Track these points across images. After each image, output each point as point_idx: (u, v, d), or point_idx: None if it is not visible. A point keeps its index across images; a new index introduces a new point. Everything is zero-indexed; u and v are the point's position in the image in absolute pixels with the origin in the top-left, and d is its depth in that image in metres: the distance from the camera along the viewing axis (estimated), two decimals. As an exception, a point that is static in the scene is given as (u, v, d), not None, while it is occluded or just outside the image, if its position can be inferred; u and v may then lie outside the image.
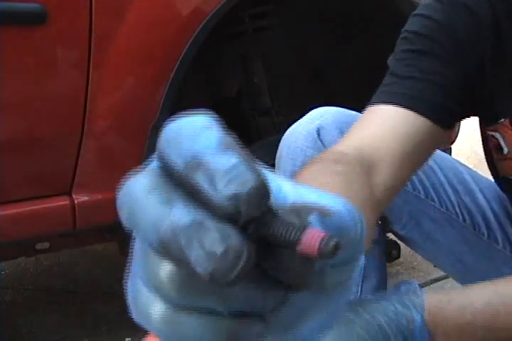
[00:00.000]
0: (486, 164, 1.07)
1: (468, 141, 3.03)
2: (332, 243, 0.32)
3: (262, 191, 0.32)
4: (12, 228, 1.48)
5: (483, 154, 1.07)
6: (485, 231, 1.12)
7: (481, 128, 1.04)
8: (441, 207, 1.12)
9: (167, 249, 0.31)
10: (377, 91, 0.91)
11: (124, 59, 1.54)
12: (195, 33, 1.59)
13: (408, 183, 1.10)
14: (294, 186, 0.36)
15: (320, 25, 2.13)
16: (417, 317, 0.79)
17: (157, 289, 0.33)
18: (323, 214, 0.34)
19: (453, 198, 1.12)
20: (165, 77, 1.58)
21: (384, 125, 0.85)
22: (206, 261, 0.30)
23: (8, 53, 1.42)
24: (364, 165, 0.78)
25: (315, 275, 0.34)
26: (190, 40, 1.58)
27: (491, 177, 1.15)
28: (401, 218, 1.11)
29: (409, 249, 1.27)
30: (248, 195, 0.31)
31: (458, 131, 2.01)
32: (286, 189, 0.35)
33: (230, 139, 0.33)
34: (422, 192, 1.11)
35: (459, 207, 1.12)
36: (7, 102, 1.44)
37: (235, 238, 0.31)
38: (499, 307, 0.80)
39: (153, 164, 0.34)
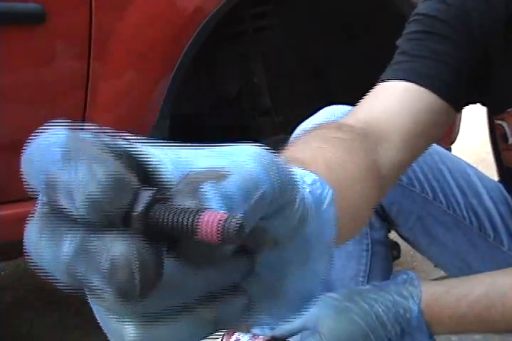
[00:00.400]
0: (486, 165, 1.07)
1: (468, 141, 3.04)
2: (233, 224, 0.28)
3: (113, 184, 0.28)
4: (12, 228, 1.47)
5: (483, 155, 1.07)
6: (491, 233, 1.12)
7: (488, 116, 1.04)
8: (449, 209, 1.11)
9: (77, 284, 0.30)
10: (386, 69, 0.90)
11: (123, 59, 1.54)
12: (196, 32, 1.59)
13: (417, 185, 1.10)
14: (191, 155, 0.33)
15: (320, 25, 2.13)
16: (414, 308, 0.80)
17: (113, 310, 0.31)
18: (219, 178, 0.31)
19: (460, 200, 1.12)
20: (165, 77, 1.57)
21: (395, 100, 0.83)
22: (104, 285, 0.28)
23: (8, 53, 1.41)
24: (371, 137, 0.75)
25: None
26: (191, 40, 1.58)
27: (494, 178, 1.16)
28: (408, 220, 1.11)
29: (409, 248, 1.27)
30: (93, 196, 0.28)
31: (458, 131, 2.00)
32: (183, 160, 0.32)
33: (76, 142, 0.30)
34: (430, 194, 1.10)
35: (466, 209, 1.12)
36: (7, 102, 1.44)
37: (116, 248, 0.28)
38: (496, 299, 0.81)
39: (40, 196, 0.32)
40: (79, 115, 1.50)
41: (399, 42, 0.93)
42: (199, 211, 0.29)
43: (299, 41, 2.19)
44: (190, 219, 0.29)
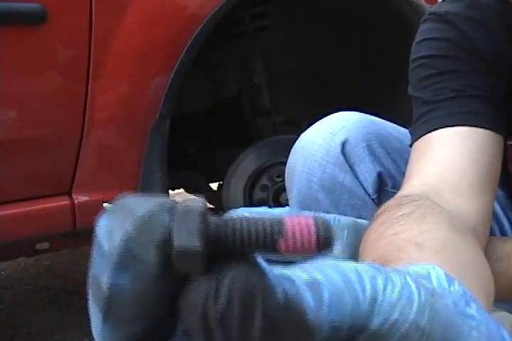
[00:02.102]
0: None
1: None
2: (326, 227, 0.25)
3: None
4: (12, 228, 1.48)
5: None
6: None
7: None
8: None
9: None
10: (415, 124, 0.84)
11: (124, 59, 1.54)
12: (196, 33, 1.59)
13: None
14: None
15: (320, 25, 2.13)
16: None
17: None
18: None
19: None
20: (165, 77, 1.57)
21: (444, 151, 0.77)
22: None
23: (9, 53, 1.41)
24: (437, 197, 0.70)
25: None
26: (191, 40, 1.58)
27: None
28: None
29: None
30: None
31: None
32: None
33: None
34: None
35: None
36: (7, 102, 1.44)
37: None
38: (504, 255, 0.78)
39: None
40: (79, 114, 1.50)
41: (412, 92, 0.87)
42: (280, 219, 0.26)
43: (299, 41, 2.19)
44: (270, 226, 0.25)
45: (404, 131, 1.02)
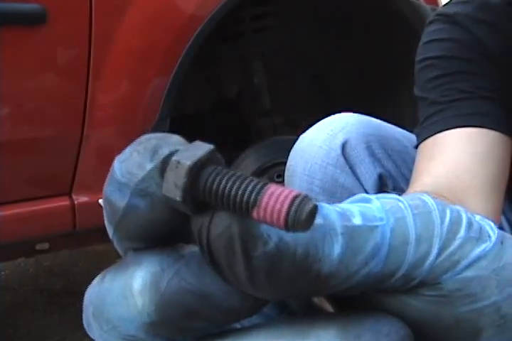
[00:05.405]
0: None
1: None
2: (308, 206, 0.23)
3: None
4: (12, 228, 1.48)
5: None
6: None
7: None
8: None
9: None
10: (422, 125, 0.83)
11: (124, 59, 1.54)
12: (195, 33, 1.59)
13: None
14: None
15: (320, 25, 2.13)
16: None
17: None
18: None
19: None
20: (165, 78, 1.57)
21: (455, 151, 0.77)
22: None
23: (9, 53, 1.41)
24: (450, 196, 0.69)
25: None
26: (190, 41, 1.58)
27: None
28: None
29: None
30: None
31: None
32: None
33: None
34: None
35: None
36: (7, 102, 1.44)
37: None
38: None
39: None
40: (79, 115, 1.50)
41: (419, 93, 0.86)
42: (265, 183, 0.24)
43: (299, 41, 2.19)
44: (249, 193, 0.24)
45: (404, 132, 1.01)
